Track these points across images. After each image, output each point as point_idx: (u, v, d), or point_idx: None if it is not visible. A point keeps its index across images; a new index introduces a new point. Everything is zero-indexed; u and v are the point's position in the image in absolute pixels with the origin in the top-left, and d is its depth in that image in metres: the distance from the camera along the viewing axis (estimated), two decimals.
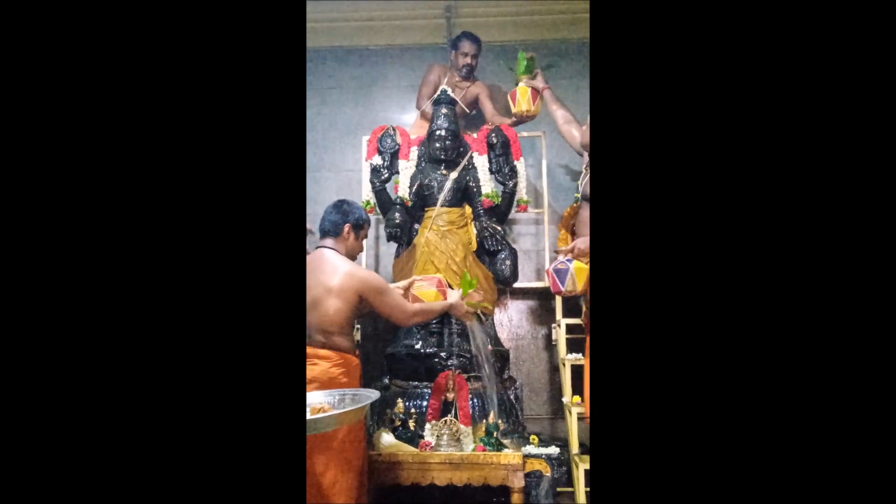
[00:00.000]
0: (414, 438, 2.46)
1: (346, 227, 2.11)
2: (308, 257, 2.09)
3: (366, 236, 2.22)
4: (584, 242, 2.28)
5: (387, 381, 2.84)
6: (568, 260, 2.28)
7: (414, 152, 2.99)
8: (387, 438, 2.44)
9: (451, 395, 2.56)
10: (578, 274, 2.26)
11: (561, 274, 2.28)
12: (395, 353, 2.83)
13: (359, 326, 3.11)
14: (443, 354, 2.74)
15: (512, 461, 2.26)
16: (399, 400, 2.62)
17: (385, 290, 2.07)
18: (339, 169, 3.62)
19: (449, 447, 2.36)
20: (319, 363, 1.94)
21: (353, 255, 2.17)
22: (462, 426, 2.45)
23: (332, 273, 2.01)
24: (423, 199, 2.93)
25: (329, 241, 2.11)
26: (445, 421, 2.45)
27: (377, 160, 2.99)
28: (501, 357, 2.88)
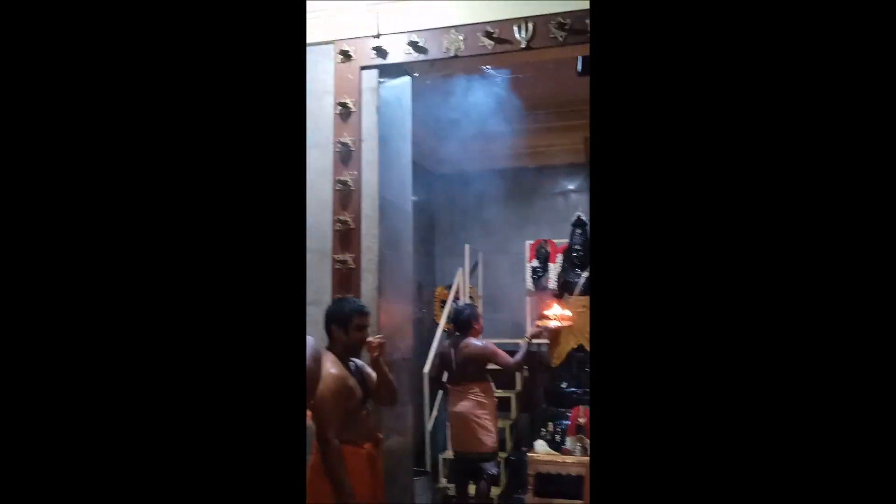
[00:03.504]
0: (559, 446, 4.19)
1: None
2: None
3: None
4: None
5: (544, 406, 4.58)
6: None
7: (559, 258, 4.64)
8: (541, 445, 4.20)
9: (582, 420, 4.24)
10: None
11: None
12: (551, 389, 4.57)
13: (526, 368, 4.88)
14: (578, 391, 4.42)
15: None
16: (550, 422, 4.36)
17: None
18: (510, 253, 5.26)
19: (580, 453, 4.07)
20: None
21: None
22: (588, 439, 4.13)
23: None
24: (567, 288, 4.58)
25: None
26: (579, 437, 4.15)
27: (535, 262, 4.71)
28: None
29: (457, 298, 5.03)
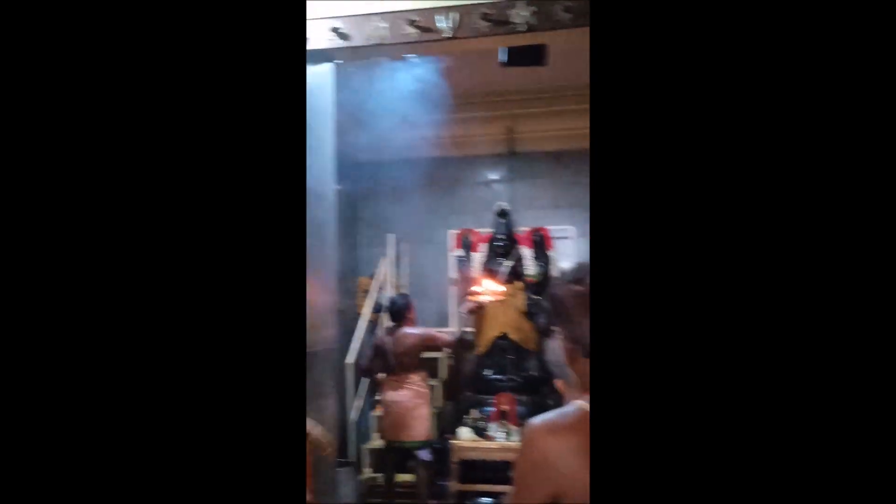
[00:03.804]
0: (482, 433, 4.26)
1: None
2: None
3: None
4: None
5: (468, 393, 4.64)
6: None
7: (483, 247, 4.71)
8: (466, 432, 4.26)
9: (505, 407, 4.33)
10: None
11: None
12: (475, 376, 4.63)
13: (452, 356, 4.93)
14: (502, 378, 4.51)
15: None
16: (473, 409, 4.42)
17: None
18: (433, 242, 5.30)
19: (503, 439, 4.14)
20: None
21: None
22: (511, 426, 4.22)
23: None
24: (491, 277, 4.63)
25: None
26: (502, 423, 4.24)
27: (459, 252, 4.75)
28: (543, 377, 4.61)
29: (381, 289, 5.03)
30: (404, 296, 4.23)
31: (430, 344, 4.07)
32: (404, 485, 4.16)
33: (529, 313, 4.57)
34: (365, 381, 4.85)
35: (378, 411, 4.77)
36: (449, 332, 4.28)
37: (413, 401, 3.97)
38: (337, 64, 2.81)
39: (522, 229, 4.79)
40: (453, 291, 5.11)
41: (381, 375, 4.20)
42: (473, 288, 4.22)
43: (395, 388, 4.00)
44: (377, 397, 4.48)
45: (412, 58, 3.56)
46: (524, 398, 4.37)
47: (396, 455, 4.08)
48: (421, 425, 3.98)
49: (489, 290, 4.25)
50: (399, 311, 4.07)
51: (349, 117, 4.80)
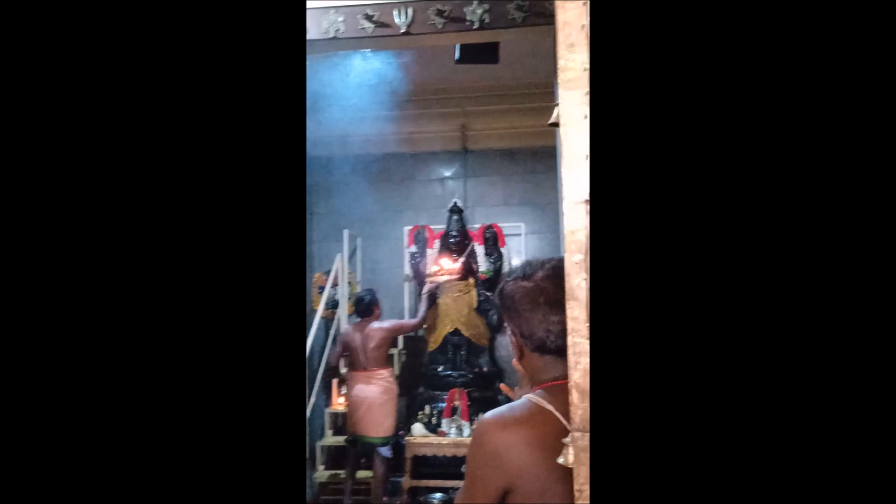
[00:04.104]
0: (435, 428, 4.29)
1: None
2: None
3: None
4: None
5: (421, 390, 4.66)
6: None
7: (436, 243, 4.73)
8: (419, 428, 4.27)
9: (457, 403, 4.36)
10: None
11: None
12: (427, 372, 4.65)
13: (405, 352, 4.95)
14: (454, 374, 4.54)
15: None
16: (427, 405, 4.44)
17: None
18: (389, 239, 5.29)
19: (455, 435, 4.17)
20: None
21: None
22: (463, 421, 4.25)
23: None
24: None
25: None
26: (454, 419, 4.26)
27: (413, 248, 4.76)
28: (495, 373, 4.67)
29: (335, 284, 5.00)
30: (370, 291, 4.26)
31: (401, 332, 4.28)
32: (359, 481, 4.18)
33: (481, 309, 4.61)
34: (316, 379, 4.82)
35: (338, 407, 4.80)
36: (416, 318, 4.34)
37: (382, 396, 4.02)
38: None
39: (475, 226, 4.83)
40: (408, 287, 5.13)
41: (345, 371, 4.22)
42: (432, 268, 4.35)
43: (364, 384, 4.02)
44: (343, 392, 4.50)
45: (367, 53, 3.56)
46: (476, 394, 4.41)
47: (362, 449, 4.11)
48: (388, 421, 4.04)
49: (446, 269, 4.38)
50: (367, 307, 4.11)
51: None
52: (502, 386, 1.39)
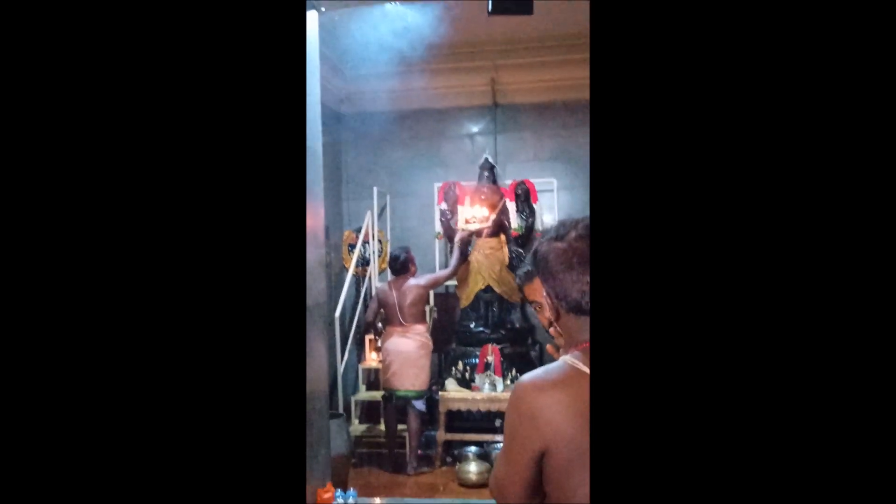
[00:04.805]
0: (468, 384, 4.32)
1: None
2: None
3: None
4: None
5: (454, 346, 4.68)
6: None
7: (468, 200, 4.65)
8: (452, 383, 4.31)
9: (490, 358, 4.37)
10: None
11: None
12: (460, 329, 4.66)
13: (435, 309, 4.96)
14: (486, 331, 4.56)
15: None
16: (460, 361, 4.47)
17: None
18: (419, 196, 5.28)
19: (489, 390, 4.20)
20: None
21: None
22: (496, 376, 4.28)
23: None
24: (477, 230, 4.61)
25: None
26: (487, 374, 4.29)
27: (444, 206, 4.70)
28: (527, 329, 4.67)
29: (366, 241, 5.01)
30: (405, 249, 4.29)
31: (438, 284, 4.34)
32: (410, 434, 4.23)
33: (513, 266, 4.56)
34: (349, 336, 4.87)
35: (371, 363, 4.84)
36: (449, 268, 4.36)
37: (418, 351, 4.10)
38: (320, 11, 2.73)
39: (506, 182, 4.76)
40: (438, 245, 5.11)
41: (380, 326, 4.31)
42: (463, 218, 4.32)
43: (400, 339, 4.09)
44: (378, 348, 4.55)
45: (397, 4, 3.46)
46: (508, 349, 4.42)
47: (399, 403, 4.16)
48: (423, 376, 4.12)
49: (480, 216, 4.36)
50: (403, 265, 4.17)
51: (331, 68, 4.73)
52: (549, 348, 1.38)
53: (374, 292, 4.60)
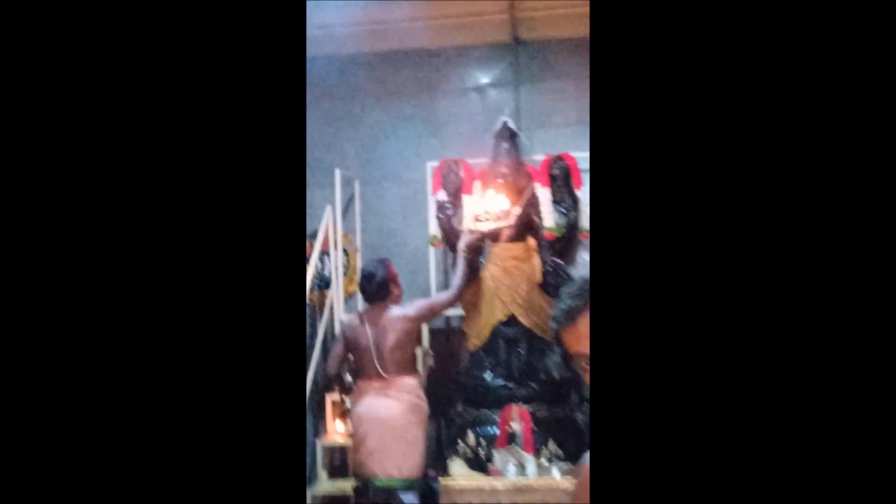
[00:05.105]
0: (484, 465, 4.23)
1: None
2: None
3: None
4: None
5: (459, 408, 4.55)
6: None
7: (477, 186, 4.59)
8: (459, 469, 4.23)
9: (516, 426, 4.29)
10: None
11: None
12: (468, 382, 4.57)
13: (431, 352, 4.92)
14: (509, 384, 4.47)
15: (569, 487, 3.83)
16: (469, 431, 4.39)
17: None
18: (404, 181, 5.25)
19: (516, 474, 4.10)
20: None
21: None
22: (526, 454, 4.19)
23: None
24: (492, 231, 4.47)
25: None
26: (512, 450, 4.21)
27: (441, 195, 4.64)
28: (570, 380, 4.63)
29: (325, 252, 4.99)
30: (382, 263, 4.24)
31: (433, 315, 4.33)
32: None
33: (548, 284, 4.52)
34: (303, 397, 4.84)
35: (336, 438, 4.80)
36: (451, 289, 4.33)
37: (406, 417, 4.03)
38: None
39: (536, 158, 4.74)
40: (434, 253, 5.11)
41: (348, 379, 4.26)
42: (472, 214, 4.28)
43: (377, 399, 4.05)
44: (348, 408, 4.51)
45: None
46: (542, 412, 4.39)
47: (377, 498, 4.07)
48: (414, 454, 4.03)
49: (496, 210, 4.27)
50: (381, 286, 4.13)
51: None
52: None
53: (337, 329, 4.59)
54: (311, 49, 5.01)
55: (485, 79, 5.32)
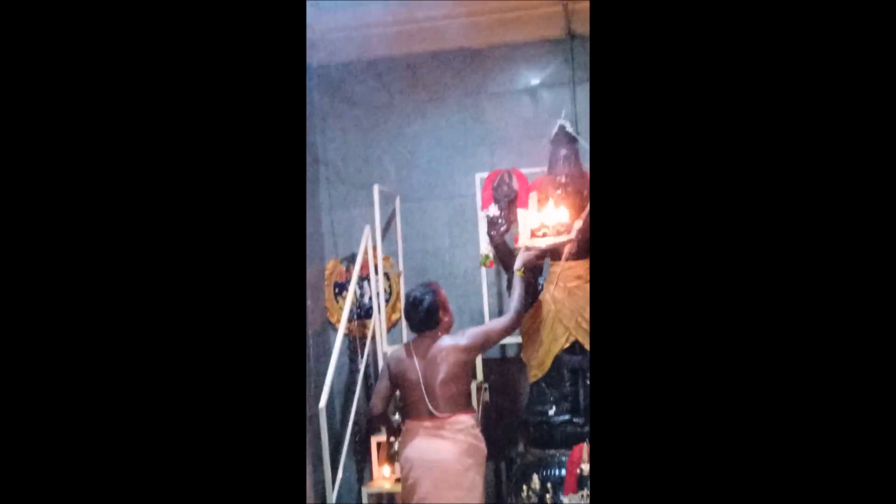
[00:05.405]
0: None
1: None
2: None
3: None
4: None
5: (520, 448, 4.30)
6: None
7: (533, 198, 4.29)
8: None
9: (586, 468, 3.98)
10: None
11: None
12: (527, 418, 4.30)
13: (486, 386, 4.63)
14: (578, 420, 4.18)
15: None
16: (534, 475, 4.07)
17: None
18: (450, 196, 5.05)
19: None
20: None
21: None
22: None
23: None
24: (552, 248, 4.23)
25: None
26: (582, 495, 3.88)
27: (493, 210, 4.35)
28: None
29: (364, 277, 4.82)
30: (430, 286, 4.01)
31: (490, 345, 4.13)
32: None
33: None
34: (344, 439, 4.61)
35: (385, 483, 4.65)
36: (508, 314, 4.07)
37: (462, 460, 3.79)
38: None
39: None
40: (486, 275, 4.97)
41: (396, 419, 4.12)
42: (530, 225, 4.14)
43: (432, 441, 3.82)
44: (396, 451, 4.29)
45: None
46: None
47: None
48: (472, 500, 3.81)
49: (555, 224, 4.07)
50: (429, 314, 3.91)
51: None
52: None
53: (381, 363, 4.40)
54: (342, 53, 4.85)
55: (537, 79, 5.18)
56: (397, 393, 4.02)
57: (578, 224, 4.15)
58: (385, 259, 5.02)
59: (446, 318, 3.96)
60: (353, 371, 4.95)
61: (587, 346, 4.19)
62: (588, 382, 4.28)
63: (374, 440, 4.64)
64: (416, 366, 3.85)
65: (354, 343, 5.00)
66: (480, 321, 4.67)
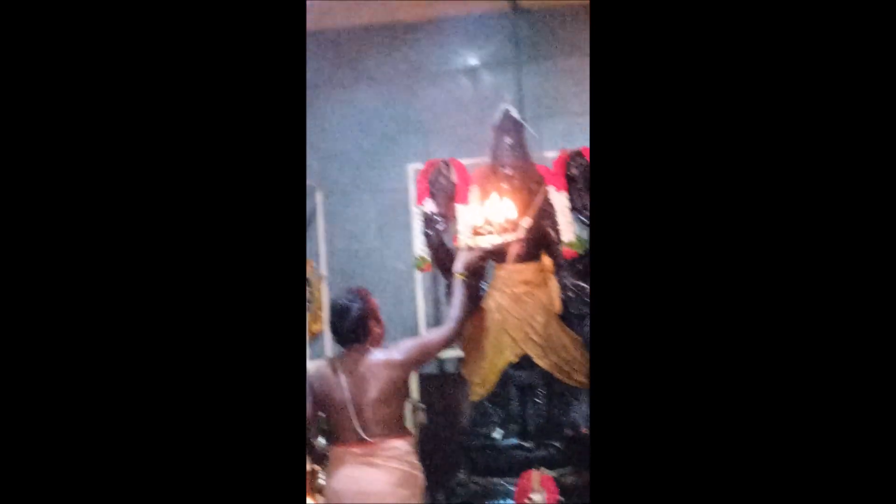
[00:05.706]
0: None
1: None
2: None
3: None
4: None
5: (461, 475, 3.99)
6: None
7: (475, 192, 3.97)
8: None
9: (537, 498, 3.68)
10: None
11: None
12: (468, 443, 4.01)
13: (423, 406, 4.37)
14: (526, 444, 3.89)
15: None
16: None
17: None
18: (379, 190, 4.81)
19: None
20: None
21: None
22: None
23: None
24: (495, 248, 3.94)
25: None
26: None
27: (429, 206, 4.05)
28: None
29: None
30: (356, 293, 3.75)
31: (427, 358, 3.91)
32: None
33: (570, 315, 3.98)
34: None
35: None
36: (447, 324, 3.85)
37: (395, 491, 3.54)
38: None
39: (548, 154, 4.25)
40: (422, 280, 4.86)
41: (321, 444, 3.91)
42: (472, 221, 3.89)
43: (362, 468, 3.56)
44: (321, 481, 4.07)
45: None
46: (569, 478, 3.91)
47: None
48: None
49: (500, 221, 3.80)
50: (355, 324, 3.63)
51: None
52: None
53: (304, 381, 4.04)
54: None
55: (477, 58, 5.12)
56: (321, 415, 3.75)
57: (526, 221, 3.91)
58: (307, 262, 4.76)
59: (377, 330, 3.68)
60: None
61: (538, 361, 3.95)
62: (538, 401, 4.01)
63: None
64: (342, 384, 3.59)
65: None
66: (415, 332, 4.61)
